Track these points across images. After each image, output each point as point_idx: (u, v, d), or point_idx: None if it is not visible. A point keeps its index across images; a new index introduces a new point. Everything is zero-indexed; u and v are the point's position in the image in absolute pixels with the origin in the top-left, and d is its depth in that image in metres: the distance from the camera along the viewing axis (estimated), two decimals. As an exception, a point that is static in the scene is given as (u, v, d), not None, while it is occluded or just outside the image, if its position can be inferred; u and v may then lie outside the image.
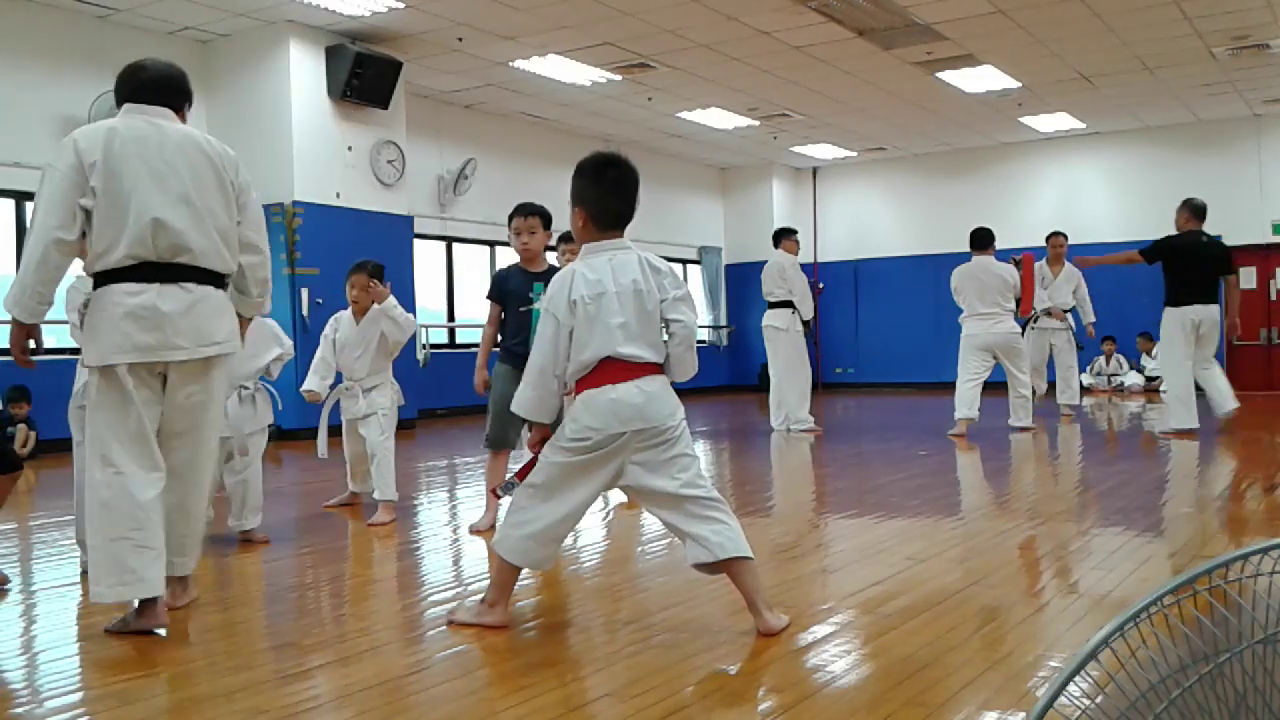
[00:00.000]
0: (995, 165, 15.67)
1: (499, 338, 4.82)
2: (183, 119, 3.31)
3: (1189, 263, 8.08)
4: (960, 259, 9.19)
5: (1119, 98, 12.74)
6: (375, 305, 5.15)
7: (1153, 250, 8.28)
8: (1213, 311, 8.11)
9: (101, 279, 3.10)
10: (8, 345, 3.22)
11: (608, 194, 2.99)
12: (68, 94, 8.88)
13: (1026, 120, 13.90)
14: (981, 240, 8.98)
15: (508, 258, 4.92)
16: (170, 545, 3.13)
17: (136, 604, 3.06)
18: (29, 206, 9.25)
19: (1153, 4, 9.28)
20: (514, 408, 3.05)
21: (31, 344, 3.14)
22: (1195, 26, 9.94)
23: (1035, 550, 4.19)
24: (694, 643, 2.86)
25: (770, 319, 9.39)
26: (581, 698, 2.46)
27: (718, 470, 7.16)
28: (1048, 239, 10.40)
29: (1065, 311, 10.15)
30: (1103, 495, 5.74)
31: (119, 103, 3.26)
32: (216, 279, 3.21)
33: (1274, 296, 14.29)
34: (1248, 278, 14.28)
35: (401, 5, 8.93)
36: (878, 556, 4.04)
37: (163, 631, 3.05)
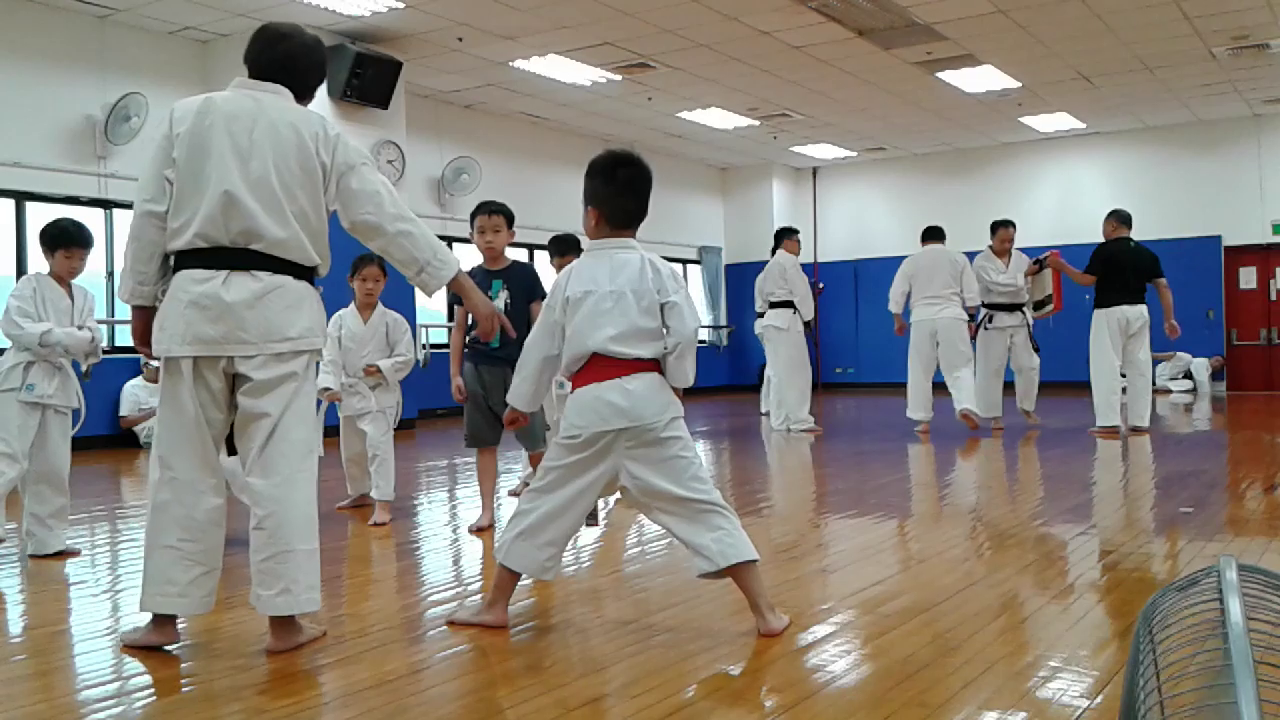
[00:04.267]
0: (995, 165, 15.68)
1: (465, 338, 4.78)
2: (305, 100, 3.05)
3: (1118, 266, 8.50)
4: (960, 260, 9.19)
5: (1119, 98, 12.74)
6: (380, 308, 5.20)
7: (1091, 265, 8.64)
8: (1141, 311, 8.51)
9: (176, 263, 2.89)
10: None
11: (620, 193, 3.01)
12: (68, 94, 8.88)
13: (1026, 120, 13.90)
14: (934, 234, 9.21)
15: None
16: (255, 574, 2.82)
17: (152, 615, 2.88)
18: (30, 206, 9.29)
19: (1153, 4, 9.28)
20: (509, 398, 3.14)
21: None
22: (1195, 26, 9.94)
23: (1035, 550, 4.19)
24: (694, 643, 2.86)
25: (771, 319, 9.40)
26: (581, 698, 2.46)
27: (718, 470, 7.16)
28: (996, 228, 9.31)
29: (1021, 307, 9.26)
30: (1102, 495, 5.74)
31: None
32: (296, 270, 2.90)
33: (1274, 296, 14.28)
34: (1248, 278, 14.30)
35: (401, 5, 8.93)
36: (878, 556, 4.04)
37: (172, 649, 2.89)
